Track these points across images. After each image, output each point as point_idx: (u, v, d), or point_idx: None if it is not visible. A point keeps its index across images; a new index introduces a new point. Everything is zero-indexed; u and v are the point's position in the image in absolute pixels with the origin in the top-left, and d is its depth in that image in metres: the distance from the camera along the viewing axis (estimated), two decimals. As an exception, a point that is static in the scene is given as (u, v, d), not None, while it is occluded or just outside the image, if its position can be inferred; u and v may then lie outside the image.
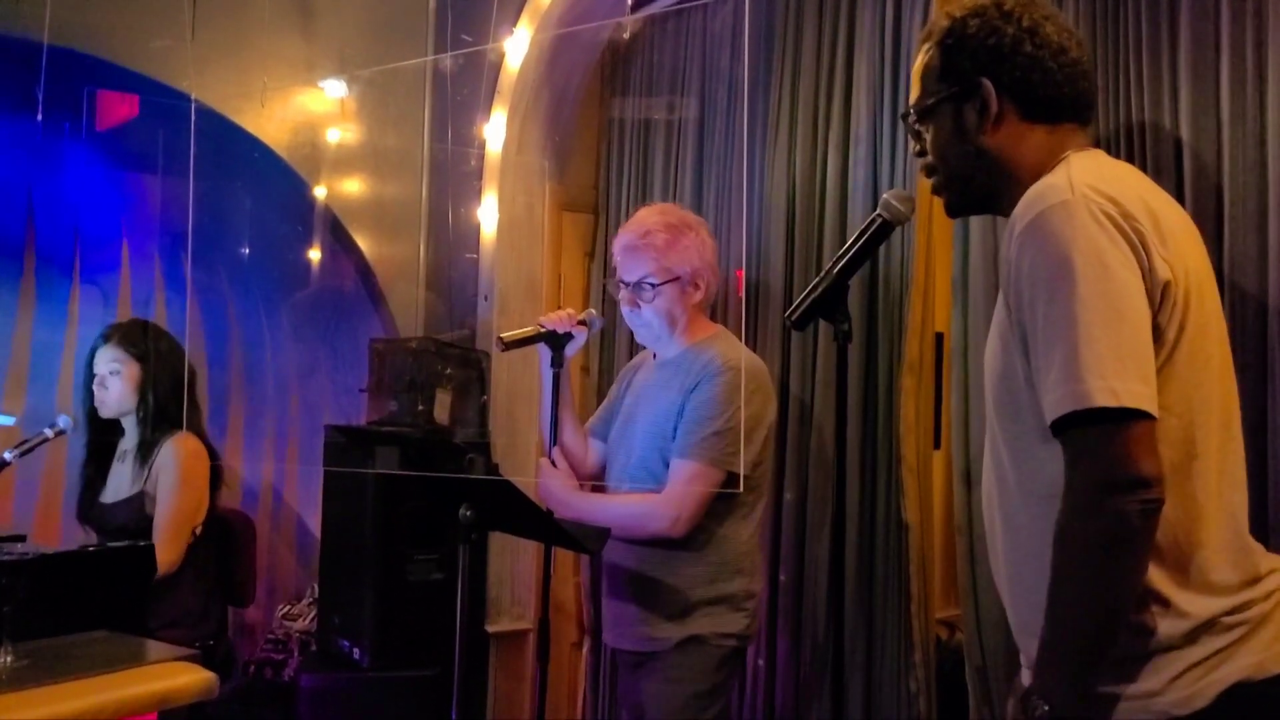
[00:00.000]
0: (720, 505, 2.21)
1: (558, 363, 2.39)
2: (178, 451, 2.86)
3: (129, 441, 2.96)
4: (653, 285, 2.28)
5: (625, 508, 2.28)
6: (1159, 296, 1.28)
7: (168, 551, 2.78)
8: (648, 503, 2.23)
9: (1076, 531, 1.24)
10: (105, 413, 2.93)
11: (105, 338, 2.94)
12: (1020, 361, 1.34)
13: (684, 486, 2.18)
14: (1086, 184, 1.30)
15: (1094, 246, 1.25)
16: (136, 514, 2.83)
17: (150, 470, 2.86)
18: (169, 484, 2.83)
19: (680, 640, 2.21)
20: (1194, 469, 1.31)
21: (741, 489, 2.22)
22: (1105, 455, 1.22)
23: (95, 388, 2.91)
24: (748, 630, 2.27)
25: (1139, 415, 1.22)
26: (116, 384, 2.90)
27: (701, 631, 2.21)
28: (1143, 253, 1.27)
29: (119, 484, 2.93)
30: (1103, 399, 1.21)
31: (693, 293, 2.31)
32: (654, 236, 2.29)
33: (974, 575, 2.21)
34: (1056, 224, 1.28)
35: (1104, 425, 1.22)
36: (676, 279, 2.29)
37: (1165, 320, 1.29)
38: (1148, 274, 1.27)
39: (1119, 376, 1.21)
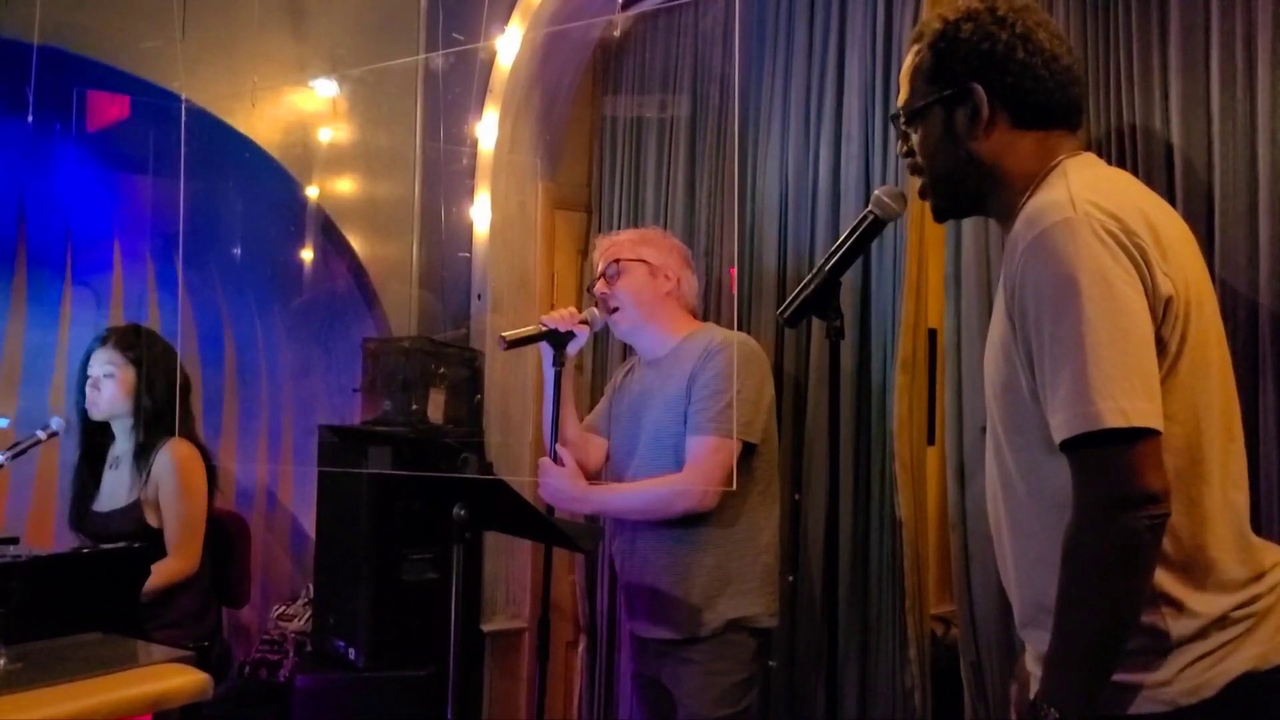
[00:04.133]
0: (740, 483, 2.26)
1: (559, 361, 2.41)
2: (175, 458, 2.85)
3: (121, 447, 2.95)
4: (617, 263, 2.43)
5: (650, 492, 2.32)
6: (1161, 311, 1.30)
7: (186, 557, 2.82)
8: (673, 482, 2.28)
9: (1086, 547, 1.26)
10: (96, 414, 2.93)
11: (101, 340, 2.94)
12: (1025, 376, 1.36)
13: (707, 460, 2.24)
14: (1087, 199, 1.31)
15: (1098, 265, 1.26)
16: (134, 523, 2.83)
17: (147, 478, 2.85)
18: (172, 491, 2.83)
19: (720, 626, 2.27)
20: (1198, 473, 1.33)
21: (761, 463, 2.34)
22: (1115, 474, 1.24)
23: (88, 389, 2.91)
24: (775, 610, 2.35)
25: (1146, 433, 1.24)
26: (110, 386, 2.89)
27: (739, 614, 2.28)
28: (1145, 269, 1.28)
29: (113, 492, 2.92)
30: (1113, 420, 1.23)
31: (662, 282, 2.43)
32: (621, 235, 2.54)
33: (968, 571, 2.21)
34: (1060, 242, 1.29)
35: (1113, 445, 1.24)
36: (643, 261, 2.42)
37: (1168, 334, 1.30)
38: (1150, 290, 1.28)
39: (1127, 396, 1.23)
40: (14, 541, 2.52)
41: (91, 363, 2.92)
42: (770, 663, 2.59)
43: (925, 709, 2.34)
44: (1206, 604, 1.31)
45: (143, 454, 2.88)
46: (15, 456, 2.89)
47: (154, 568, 2.71)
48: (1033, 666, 1.44)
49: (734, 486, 2.24)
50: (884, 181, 2.43)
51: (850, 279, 2.39)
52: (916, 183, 1.58)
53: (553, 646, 3.00)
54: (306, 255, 3.61)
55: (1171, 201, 1.88)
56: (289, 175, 3.35)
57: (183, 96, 2.98)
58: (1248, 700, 1.29)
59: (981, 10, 1.46)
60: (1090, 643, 1.27)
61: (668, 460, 2.33)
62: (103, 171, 3.52)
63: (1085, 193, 1.32)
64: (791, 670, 2.60)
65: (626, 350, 3.03)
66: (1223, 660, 1.29)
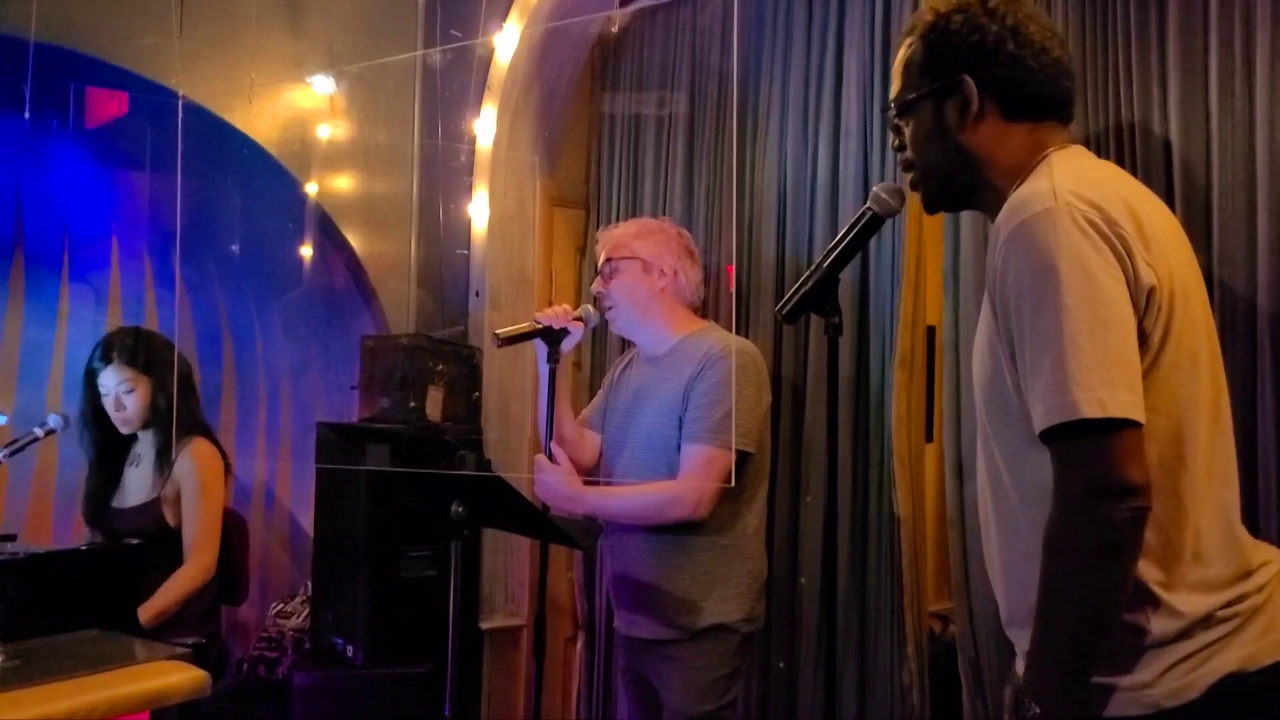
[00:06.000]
0: (727, 490, 2.26)
1: (554, 358, 2.40)
2: (196, 458, 2.87)
3: (143, 446, 2.96)
4: (609, 261, 2.43)
5: (644, 497, 2.31)
6: (1144, 302, 1.29)
7: (206, 556, 2.83)
8: (667, 490, 2.27)
9: (1065, 539, 1.25)
10: (128, 430, 2.94)
11: (104, 358, 2.91)
12: (1008, 368, 1.36)
13: (702, 471, 2.24)
14: (1069, 189, 1.30)
15: (1078, 255, 1.26)
16: (153, 520, 2.84)
17: (169, 477, 2.85)
18: (193, 491, 2.84)
19: (702, 629, 2.27)
20: (1183, 467, 1.32)
21: (751, 471, 2.32)
22: (1093, 464, 1.23)
23: (112, 410, 2.91)
24: (760, 613, 2.35)
25: (1126, 424, 1.23)
26: (132, 401, 2.90)
27: (721, 618, 2.27)
28: (1126, 259, 1.28)
29: (133, 489, 2.93)
30: (1090, 410, 1.22)
31: (657, 279, 2.41)
32: (618, 228, 2.52)
33: (966, 568, 2.21)
34: (1040, 232, 1.28)
35: (1092, 436, 1.23)
36: (636, 258, 2.41)
37: (1150, 325, 1.29)
38: (1132, 280, 1.28)
39: (1106, 386, 1.22)
40: (12, 539, 2.51)
41: (102, 381, 2.90)
42: (780, 664, 2.59)
43: (923, 706, 2.34)
44: (1190, 603, 1.29)
45: (165, 452, 2.88)
46: (13, 454, 2.89)
47: (176, 578, 2.76)
48: (1019, 668, 1.43)
49: (731, 484, 2.24)
50: (882, 178, 2.43)
51: (849, 276, 2.38)
52: (910, 173, 1.58)
53: (551, 643, 3.01)
54: (304, 252, 3.61)
55: (1170, 200, 1.88)
56: (287, 172, 3.35)
57: (180, 93, 2.97)
58: (1233, 702, 1.27)
59: (973, 3, 1.46)
60: (1071, 636, 1.26)
61: (659, 464, 2.32)
62: (100, 168, 3.52)
63: (1067, 183, 1.32)
64: (790, 667, 2.60)
65: (624, 344, 3.04)
66: (1207, 661, 1.28)
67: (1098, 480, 1.23)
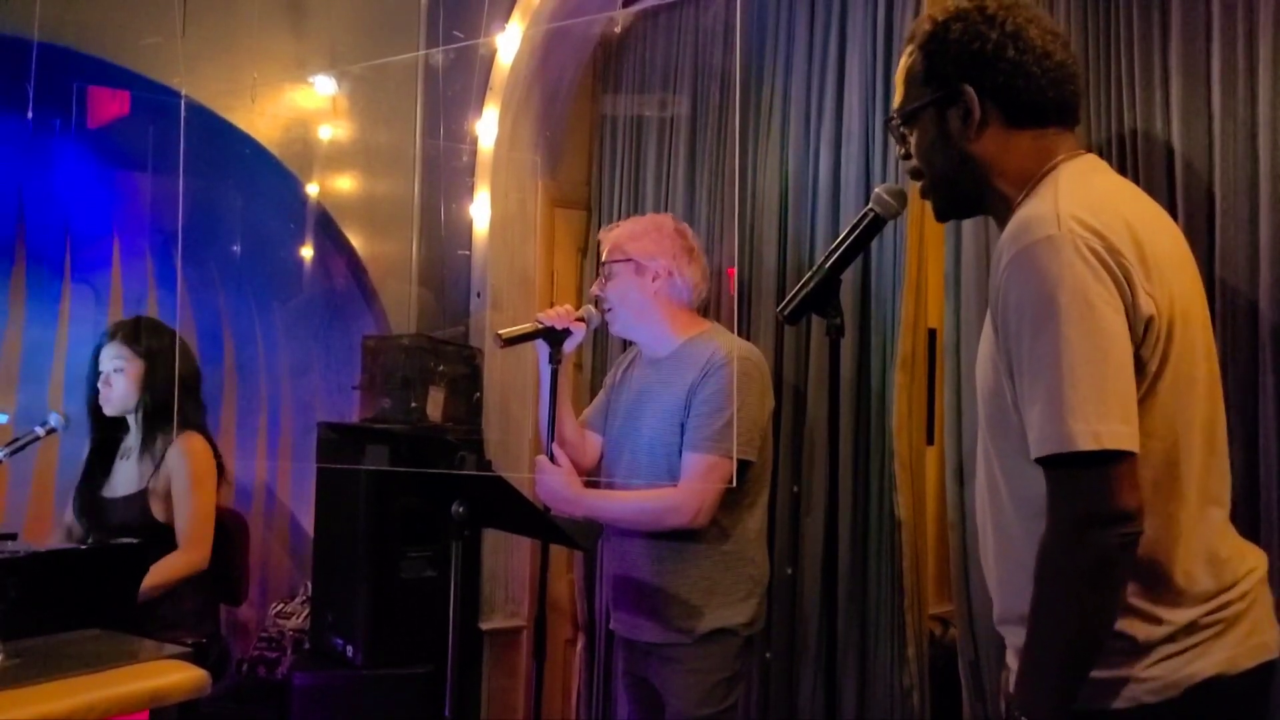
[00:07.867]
0: (728, 495, 2.25)
1: (555, 359, 2.40)
2: (187, 452, 2.86)
3: (134, 438, 2.96)
4: (605, 265, 2.42)
5: (643, 503, 2.31)
6: (1141, 330, 1.30)
7: (197, 550, 2.82)
8: (667, 497, 2.27)
9: (1058, 563, 1.27)
10: (110, 410, 2.93)
11: (110, 335, 2.94)
12: (1007, 384, 1.37)
13: (702, 479, 2.23)
14: (1072, 215, 1.30)
15: (1079, 284, 1.27)
16: (139, 512, 2.84)
17: (158, 470, 2.85)
18: (184, 485, 2.84)
19: (704, 634, 2.26)
20: (1175, 488, 1.34)
21: (752, 477, 2.31)
22: (1087, 495, 1.25)
23: (100, 385, 2.92)
24: (761, 617, 2.35)
25: (1120, 455, 1.25)
26: (120, 381, 2.90)
27: (721, 623, 2.27)
28: (1127, 289, 1.28)
29: (121, 480, 2.92)
30: (1085, 443, 1.24)
31: (651, 281, 2.38)
32: (617, 228, 2.48)
33: (967, 571, 2.21)
34: (1043, 260, 1.29)
35: (1086, 468, 1.25)
36: (629, 260, 2.38)
37: (1148, 353, 1.31)
38: (1131, 309, 1.29)
39: (1101, 419, 1.24)
40: (12, 538, 2.51)
41: (101, 358, 2.93)
42: (766, 654, 2.59)
43: (923, 708, 2.34)
44: (1174, 614, 1.32)
45: (152, 444, 2.88)
46: (14, 453, 2.90)
47: (164, 561, 2.74)
48: (1011, 661, 1.47)
49: (733, 484, 2.23)
50: (884, 180, 2.43)
51: (850, 278, 2.39)
52: (918, 181, 1.58)
53: (551, 645, 3.01)
54: (306, 252, 3.61)
55: (1172, 203, 1.88)
56: (289, 172, 3.35)
57: (182, 93, 2.97)
58: (1213, 704, 1.30)
59: (971, 10, 1.46)
60: (1061, 656, 1.29)
61: (660, 469, 2.32)
62: (102, 168, 3.52)
63: (1071, 207, 1.32)
64: (790, 669, 2.59)
65: (625, 345, 3.03)
66: (1191, 663, 1.31)
67: (1091, 509, 1.25)
